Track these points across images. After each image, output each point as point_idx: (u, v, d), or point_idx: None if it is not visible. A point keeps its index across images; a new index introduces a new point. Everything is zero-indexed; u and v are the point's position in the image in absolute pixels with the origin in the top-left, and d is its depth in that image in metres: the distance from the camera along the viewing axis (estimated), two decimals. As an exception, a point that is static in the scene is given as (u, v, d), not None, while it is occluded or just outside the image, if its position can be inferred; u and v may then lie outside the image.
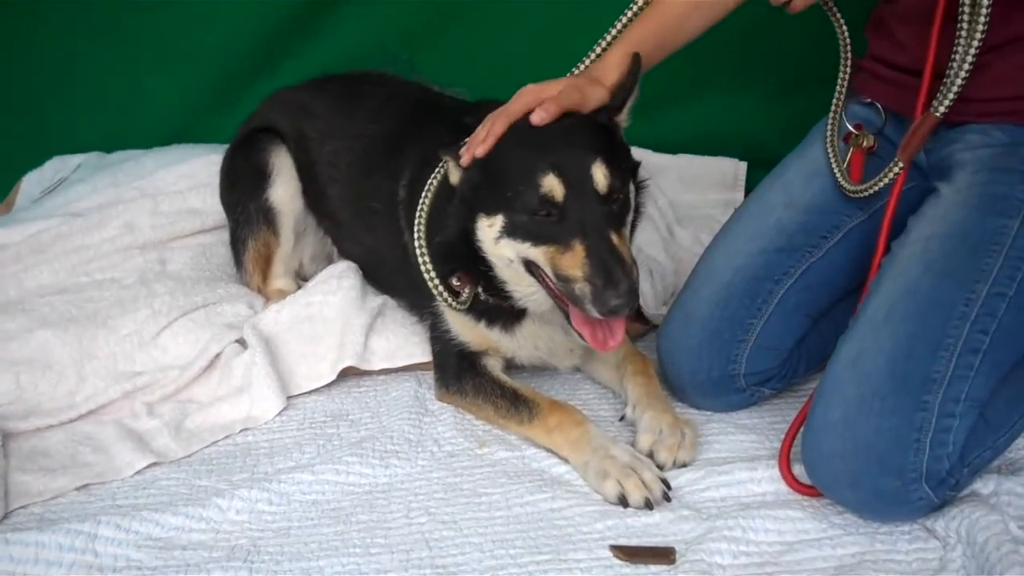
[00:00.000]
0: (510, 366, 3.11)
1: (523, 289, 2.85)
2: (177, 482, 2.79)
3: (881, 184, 2.76)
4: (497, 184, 2.71)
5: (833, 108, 3.00)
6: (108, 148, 4.64)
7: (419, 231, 2.91)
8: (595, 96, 2.81)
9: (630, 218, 2.78)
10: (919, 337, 2.48)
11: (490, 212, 2.73)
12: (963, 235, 2.61)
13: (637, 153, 2.93)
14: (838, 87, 3.00)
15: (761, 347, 2.94)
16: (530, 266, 2.73)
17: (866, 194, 2.81)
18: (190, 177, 4.17)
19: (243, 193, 3.59)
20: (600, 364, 3.17)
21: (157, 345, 3.29)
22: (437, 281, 2.89)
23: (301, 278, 3.71)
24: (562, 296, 2.68)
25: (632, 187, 2.79)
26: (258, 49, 4.51)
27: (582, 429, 2.75)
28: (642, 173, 2.90)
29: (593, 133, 2.74)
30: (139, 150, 4.53)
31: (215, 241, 3.87)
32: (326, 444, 2.93)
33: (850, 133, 2.94)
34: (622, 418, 2.96)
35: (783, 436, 2.72)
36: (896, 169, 2.71)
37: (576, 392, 3.17)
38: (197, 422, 3.04)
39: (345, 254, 3.65)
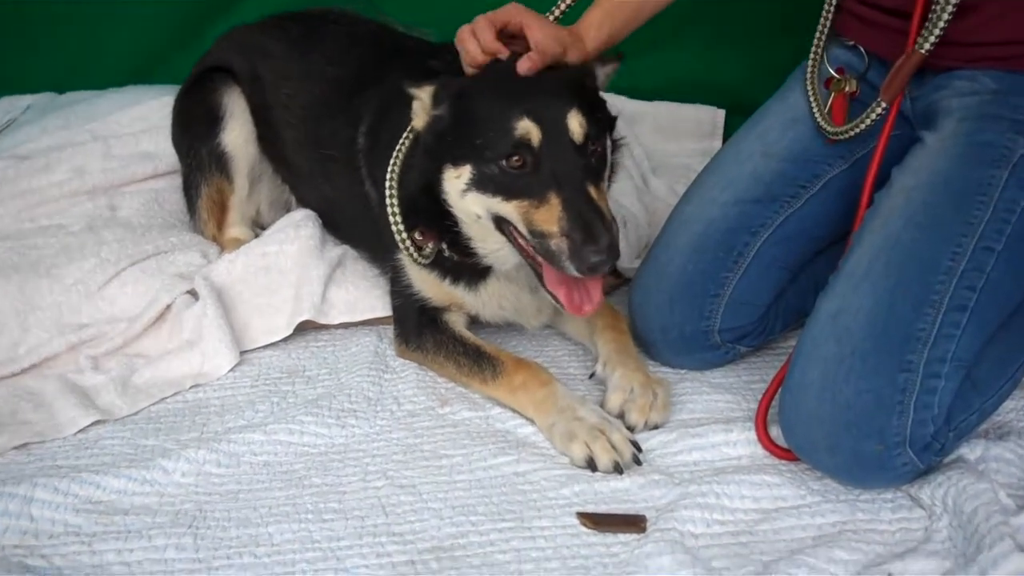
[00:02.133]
0: (475, 322, 2.99)
1: (489, 246, 2.72)
2: (122, 441, 2.66)
3: (863, 126, 2.65)
4: (465, 131, 2.56)
5: (815, 46, 2.86)
6: (60, 89, 4.54)
7: (391, 181, 2.76)
8: (576, 55, 2.71)
9: (606, 174, 2.66)
10: (902, 293, 2.36)
11: (457, 162, 2.58)
12: (948, 186, 2.49)
13: (610, 100, 2.80)
14: (820, 22, 2.86)
15: (737, 302, 2.83)
16: (500, 222, 2.59)
17: (847, 136, 2.70)
18: (144, 119, 4.06)
19: (195, 137, 3.45)
20: (570, 318, 3.03)
21: (104, 296, 3.15)
22: (405, 236, 2.75)
23: (259, 226, 3.58)
24: (534, 255, 2.54)
25: (609, 142, 2.67)
26: None
27: (548, 389, 2.64)
28: (619, 129, 2.79)
29: (569, 82, 2.62)
30: (93, 91, 4.42)
31: (168, 187, 3.73)
32: (280, 402, 2.80)
33: (831, 77, 2.80)
34: (592, 375, 2.83)
35: (760, 397, 2.61)
36: (879, 110, 2.60)
37: (544, 348, 3.05)
38: (145, 377, 2.91)
39: (303, 202, 3.52)
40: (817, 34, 2.87)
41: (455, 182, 2.59)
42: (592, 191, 2.48)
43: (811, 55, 2.88)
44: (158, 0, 4.40)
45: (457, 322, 2.92)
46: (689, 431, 2.58)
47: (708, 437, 2.56)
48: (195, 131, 3.45)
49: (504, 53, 2.63)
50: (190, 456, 2.53)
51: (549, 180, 2.47)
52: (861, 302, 2.38)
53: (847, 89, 2.78)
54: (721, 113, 4.44)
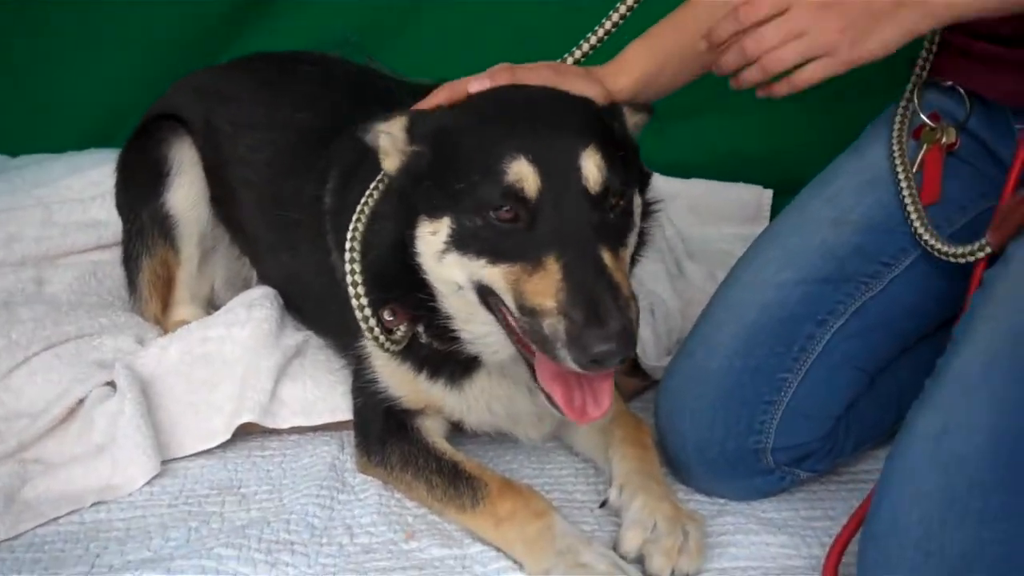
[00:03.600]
0: (458, 430, 2.44)
1: (475, 329, 2.18)
2: (-15, 577, 2.13)
3: (975, 257, 2.17)
4: (446, 172, 2.05)
5: (910, 87, 2.41)
6: (15, 151, 4.16)
7: (352, 246, 2.23)
8: (580, 89, 2.27)
9: (631, 240, 2.13)
10: None
11: (434, 213, 2.06)
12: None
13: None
14: (921, 55, 2.41)
15: (797, 412, 2.33)
16: (485, 294, 2.05)
17: (959, 261, 2.21)
18: (97, 184, 3.63)
19: (135, 197, 2.96)
20: (579, 429, 2.49)
21: (9, 386, 2.69)
22: (370, 314, 2.21)
23: (213, 308, 3.06)
24: (525, 340, 2.00)
25: (638, 201, 2.16)
26: (196, 37, 4.04)
27: (544, 522, 2.09)
28: (653, 192, 2.34)
29: (586, 114, 2.14)
30: (48, 154, 4.04)
31: (112, 259, 3.27)
32: (200, 528, 2.27)
33: (923, 125, 2.37)
34: (603, 504, 2.30)
35: (829, 542, 2.07)
36: (979, 254, 2.17)
37: (545, 466, 2.50)
38: (39, 490, 2.38)
39: (265, 278, 3.02)
40: (916, 72, 2.41)
41: (431, 240, 2.06)
42: (606, 256, 1.93)
43: (903, 99, 2.41)
44: (127, 55, 4.04)
45: (432, 430, 2.37)
46: (732, 587, 2.00)
47: (757, 596, 1.98)
48: (136, 190, 2.97)
49: None
50: (64, 601, 1.97)
51: (548, 239, 1.93)
52: (977, 418, 1.87)
53: (944, 140, 2.36)
54: (768, 194, 4.02)
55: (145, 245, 2.93)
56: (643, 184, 2.25)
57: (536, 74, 2.25)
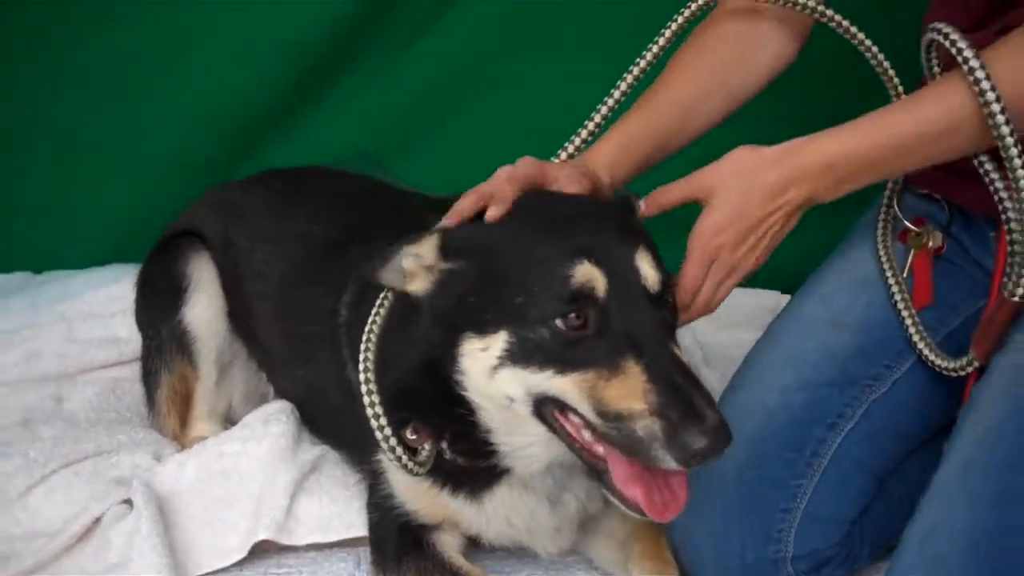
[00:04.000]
0: (474, 544, 2.38)
1: (517, 440, 2.11)
2: None
3: (965, 372, 2.19)
4: (496, 287, 1.98)
5: (887, 195, 2.42)
6: (39, 268, 4.13)
7: (366, 363, 2.16)
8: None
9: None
10: (1011, 502, 1.88)
11: (485, 330, 1.98)
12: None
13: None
14: None
15: (813, 518, 2.23)
16: (541, 404, 1.99)
17: (951, 375, 2.22)
18: (118, 300, 3.57)
19: (154, 313, 2.95)
20: (598, 540, 2.41)
21: (26, 505, 2.64)
22: (390, 434, 2.12)
23: (231, 423, 3.01)
24: (590, 447, 1.96)
25: None
26: (215, 154, 4.01)
27: None
28: None
29: (627, 216, 2.13)
30: (72, 270, 4.00)
31: (132, 375, 3.20)
32: None
33: (907, 230, 2.37)
34: None
35: None
36: (969, 369, 2.17)
37: (564, 581, 2.42)
38: None
39: (282, 393, 2.97)
40: (891, 181, 2.39)
41: (481, 357, 1.99)
42: (678, 353, 1.92)
43: (881, 206, 2.41)
44: (142, 175, 4.03)
45: (449, 544, 2.31)
46: None
47: None
48: (155, 306, 2.96)
49: None
50: None
51: (620, 342, 1.89)
52: (958, 519, 1.90)
53: (930, 244, 2.32)
54: (785, 299, 3.72)
55: (164, 361, 2.91)
56: None
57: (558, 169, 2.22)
